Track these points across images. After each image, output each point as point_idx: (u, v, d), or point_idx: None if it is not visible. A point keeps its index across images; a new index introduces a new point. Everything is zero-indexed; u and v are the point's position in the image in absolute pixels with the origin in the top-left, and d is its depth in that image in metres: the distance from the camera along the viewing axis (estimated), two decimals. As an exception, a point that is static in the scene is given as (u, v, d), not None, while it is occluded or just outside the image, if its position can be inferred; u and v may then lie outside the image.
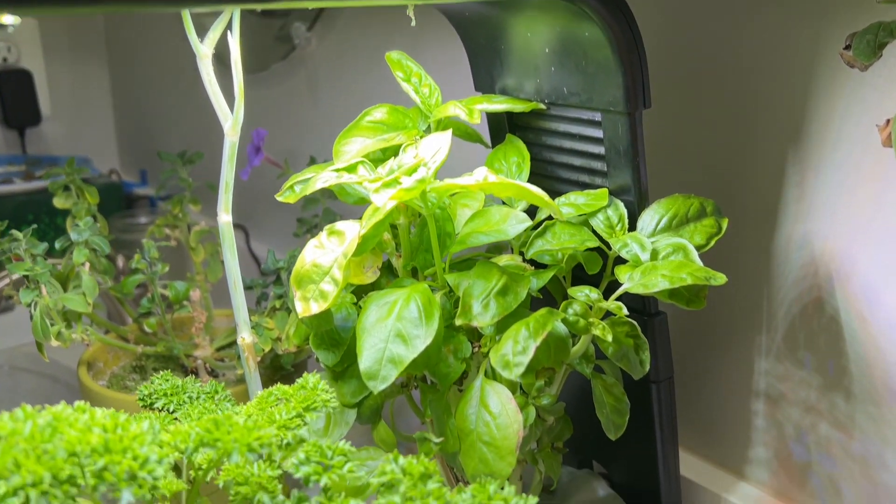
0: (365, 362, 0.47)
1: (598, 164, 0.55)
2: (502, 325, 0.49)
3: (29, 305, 0.68)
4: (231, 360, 0.82)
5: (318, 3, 0.38)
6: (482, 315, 0.47)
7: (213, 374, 0.83)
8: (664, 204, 0.54)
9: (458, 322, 0.47)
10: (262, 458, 0.45)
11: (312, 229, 0.95)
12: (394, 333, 0.48)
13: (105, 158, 1.74)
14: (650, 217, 0.53)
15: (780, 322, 0.65)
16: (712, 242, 0.53)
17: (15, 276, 0.79)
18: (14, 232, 0.70)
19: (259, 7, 0.34)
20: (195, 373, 0.82)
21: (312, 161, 0.93)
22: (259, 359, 0.70)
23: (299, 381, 0.47)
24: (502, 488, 0.41)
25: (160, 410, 0.53)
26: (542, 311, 0.47)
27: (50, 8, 0.30)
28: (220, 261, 0.92)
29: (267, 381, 0.76)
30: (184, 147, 1.08)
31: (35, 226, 0.75)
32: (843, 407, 0.62)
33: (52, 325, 0.68)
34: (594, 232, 0.54)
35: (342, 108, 1.06)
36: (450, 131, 0.48)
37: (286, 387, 0.47)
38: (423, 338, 0.47)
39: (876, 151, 0.56)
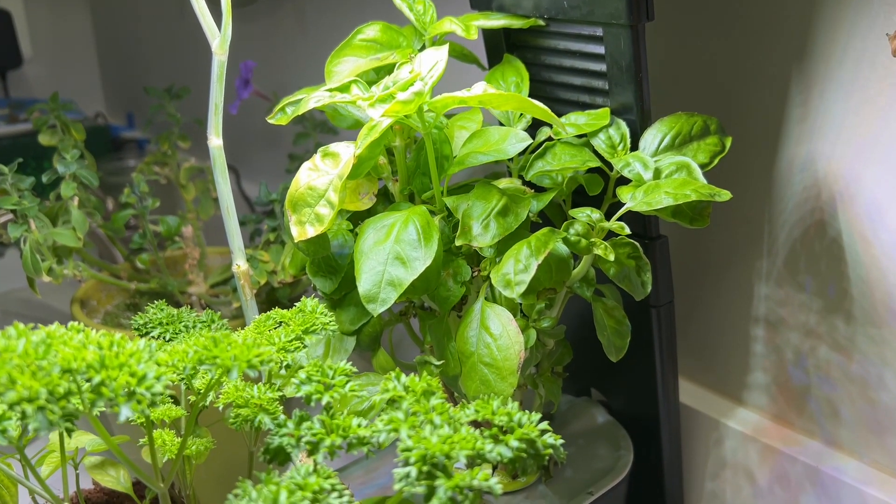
0: (364, 285, 0.47)
1: (599, 83, 0.54)
2: (502, 247, 0.48)
3: (18, 241, 0.66)
4: (226, 296, 0.81)
5: None
6: (482, 235, 0.46)
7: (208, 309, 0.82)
8: (667, 122, 0.53)
9: (458, 243, 0.47)
10: (262, 381, 0.44)
11: (305, 165, 0.94)
12: (392, 256, 0.47)
13: (91, 101, 1.71)
14: (652, 136, 0.52)
15: (781, 246, 0.64)
16: (716, 161, 0.52)
17: (3, 219, 0.77)
18: (0, 166, 0.68)
19: None
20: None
21: (303, 94, 0.91)
22: (255, 292, 0.70)
23: (298, 304, 0.46)
24: (505, 404, 0.40)
25: (156, 339, 0.53)
26: (544, 230, 0.46)
27: None
28: (211, 198, 0.90)
29: (263, 315, 0.75)
30: (160, 85, 1.06)
31: (20, 160, 0.73)
32: (844, 329, 0.62)
33: (43, 260, 0.67)
34: (595, 152, 0.52)
35: (332, 40, 1.03)
36: (446, 46, 0.46)
37: (285, 311, 0.46)
38: (422, 259, 0.46)
39: (882, 67, 0.55)
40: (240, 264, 0.53)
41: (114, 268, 0.83)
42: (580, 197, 0.55)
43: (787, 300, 0.65)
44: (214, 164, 0.51)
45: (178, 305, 0.83)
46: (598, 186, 0.53)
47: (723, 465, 0.70)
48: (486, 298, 0.49)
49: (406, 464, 0.34)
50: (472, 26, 0.52)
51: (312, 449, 0.37)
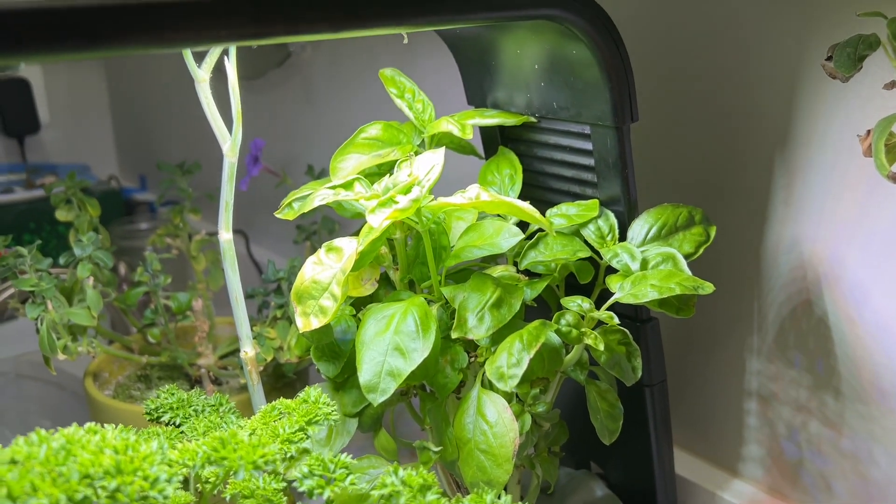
0: (364, 376, 0.49)
1: (588, 175, 0.57)
2: (497, 336, 0.50)
3: (35, 320, 0.69)
4: (234, 367, 0.84)
5: (315, 37, 0.39)
6: (477, 328, 0.49)
7: (216, 382, 0.84)
8: (653, 214, 0.55)
9: (454, 335, 0.49)
10: (267, 472, 0.46)
11: (311, 236, 0.96)
12: (392, 347, 0.49)
13: (104, 165, 1.76)
14: (640, 227, 0.55)
15: (770, 324, 0.66)
16: (701, 251, 0.55)
17: (7, 293, 0.81)
18: (19, 248, 0.71)
19: (255, 44, 0.34)
20: (199, 381, 0.83)
21: (310, 170, 0.94)
22: (262, 368, 0.72)
23: (301, 394, 0.49)
24: (499, 497, 0.42)
25: (166, 424, 0.55)
26: (536, 323, 0.48)
27: (54, 55, 0.31)
28: (220, 268, 0.93)
29: (269, 389, 0.77)
30: (183, 152, 1.09)
31: (39, 240, 0.76)
32: (833, 405, 0.63)
33: (58, 339, 0.69)
34: (586, 242, 0.55)
35: (338, 114, 1.07)
36: (443, 149, 0.49)
37: (288, 401, 0.49)
38: (420, 351, 0.48)
39: (859, 157, 0.58)
40: (248, 351, 0.55)
41: (126, 339, 0.86)
42: (574, 279, 0.58)
43: (777, 375, 0.67)
44: (225, 256, 0.53)
45: (187, 377, 0.86)
46: (589, 274, 0.55)
47: (720, 538, 0.71)
48: (482, 384, 0.52)
49: None
50: (467, 125, 0.55)
51: (314, 543, 0.39)
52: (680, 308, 0.52)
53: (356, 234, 0.51)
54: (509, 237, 0.51)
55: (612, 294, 0.52)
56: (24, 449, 0.35)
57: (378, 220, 0.45)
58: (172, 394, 0.56)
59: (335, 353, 0.56)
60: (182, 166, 0.94)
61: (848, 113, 0.57)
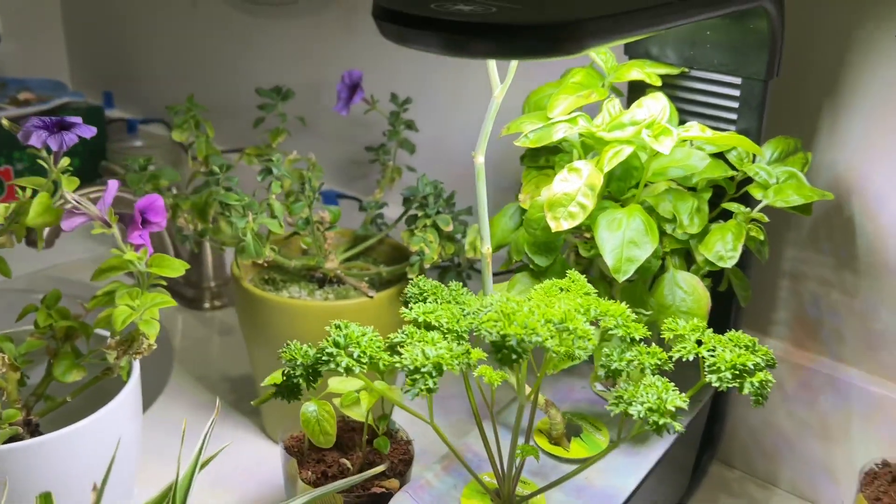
0: (610, 261, 0.67)
1: (727, 115, 0.77)
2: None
3: (241, 230, 0.80)
4: (358, 269, 0.98)
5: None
6: (690, 225, 0.68)
7: (340, 282, 0.98)
8: (772, 143, 0.77)
9: (678, 231, 0.68)
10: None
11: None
12: (627, 240, 0.68)
13: (60, 79, 1.73)
14: (766, 152, 0.76)
15: (805, 221, 0.90)
16: (804, 170, 0.77)
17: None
18: (214, 167, 0.81)
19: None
20: (322, 282, 0.96)
21: (394, 98, 1.06)
22: (428, 266, 0.88)
23: (569, 275, 0.66)
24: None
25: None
26: (732, 221, 0.69)
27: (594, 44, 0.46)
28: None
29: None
30: (150, 69, 1.16)
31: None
32: (851, 279, 0.89)
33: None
34: (728, 163, 0.76)
35: (381, 47, 1.19)
36: (662, 95, 0.68)
37: (560, 280, 0.66)
38: (649, 244, 0.68)
39: (893, 102, 0.82)
40: (489, 248, 0.71)
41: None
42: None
43: (807, 259, 0.91)
44: (478, 176, 0.69)
45: (311, 279, 0.99)
46: (732, 188, 0.76)
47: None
48: (674, 267, 0.72)
49: (718, 370, 0.56)
50: (652, 74, 0.73)
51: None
52: (804, 210, 0.74)
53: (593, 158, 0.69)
54: (699, 160, 0.70)
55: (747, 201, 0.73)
56: (510, 304, 0.51)
57: (667, 146, 0.63)
58: (424, 283, 0.71)
59: (550, 248, 0.73)
60: (279, 91, 1.04)
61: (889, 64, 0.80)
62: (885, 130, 0.83)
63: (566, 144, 0.75)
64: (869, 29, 0.80)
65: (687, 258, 0.73)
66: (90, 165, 1.55)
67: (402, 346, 0.56)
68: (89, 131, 0.75)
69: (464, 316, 0.59)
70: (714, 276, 0.75)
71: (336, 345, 0.58)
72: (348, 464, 0.76)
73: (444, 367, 0.53)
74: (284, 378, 0.61)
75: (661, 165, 0.71)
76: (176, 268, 0.75)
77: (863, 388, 0.89)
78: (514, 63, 0.66)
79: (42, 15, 1.72)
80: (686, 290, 0.70)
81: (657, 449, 0.73)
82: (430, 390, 0.53)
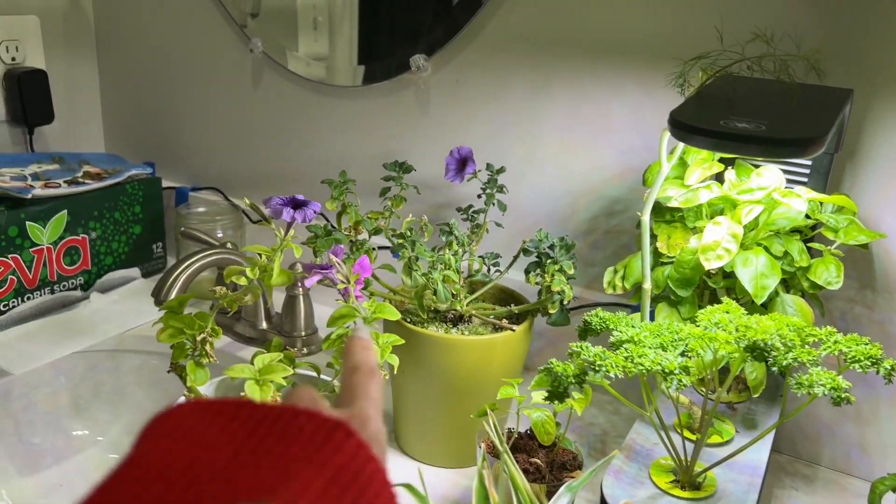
0: (750, 288, 0.91)
1: (799, 178, 1.03)
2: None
3: (434, 280, 0.99)
4: (485, 308, 1.17)
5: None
6: (801, 260, 0.93)
7: (466, 320, 1.17)
8: (832, 198, 1.04)
9: (786, 265, 0.93)
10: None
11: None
12: (759, 273, 0.92)
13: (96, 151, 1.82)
14: (827, 204, 1.03)
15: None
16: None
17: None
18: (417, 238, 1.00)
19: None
20: (457, 322, 1.16)
21: (490, 166, 1.27)
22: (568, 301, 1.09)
23: (724, 301, 0.89)
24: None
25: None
26: (830, 257, 0.95)
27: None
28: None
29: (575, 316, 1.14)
30: (183, 138, 1.34)
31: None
32: (870, 296, 1.17)
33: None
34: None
35: (456, 128, 1.41)
36: (776, 168, 0.93)
37: (716, 306, 0.89)
38: (776, 275, 0.92)
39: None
40: (650, 285, 0.94)
41: (398, 289, 1.15)
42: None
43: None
44: (643, 230, 0.92)
45: (449, 319, 1.17)
46: (808, 232, 1.02)
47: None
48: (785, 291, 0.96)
49: (858, 360, 0.81)
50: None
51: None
52: (864, 246, 1.01)
53: (710, 214, 0.93)
54: (797, 211, 0.96)
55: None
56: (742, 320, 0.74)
57: (800, 205, 0.87)
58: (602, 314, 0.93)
59: (690, 283, 0.97)
60: (401, 165, 1.23)
61: None
62: (890, 184, 1.12)
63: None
64: (876, 109, 1.09)
65: (783, 284, 0.99)
66: (151, 230, 1.68)
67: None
68: (317, 206, 0.93)
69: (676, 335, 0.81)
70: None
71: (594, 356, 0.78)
72: (540, 462, 0.96)
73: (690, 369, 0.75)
74: (553, 385, 0.81)
75: (771, 217, 0.96)
76: (393, 313, 0.94)
77: (886, 378, 1.16)
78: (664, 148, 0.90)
79: (83, 98, 1.82)
80: (794, 307, 0.95)
81: (768, 437, 0.97)
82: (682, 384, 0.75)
